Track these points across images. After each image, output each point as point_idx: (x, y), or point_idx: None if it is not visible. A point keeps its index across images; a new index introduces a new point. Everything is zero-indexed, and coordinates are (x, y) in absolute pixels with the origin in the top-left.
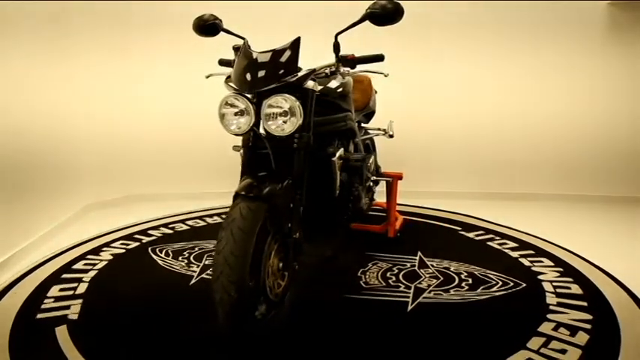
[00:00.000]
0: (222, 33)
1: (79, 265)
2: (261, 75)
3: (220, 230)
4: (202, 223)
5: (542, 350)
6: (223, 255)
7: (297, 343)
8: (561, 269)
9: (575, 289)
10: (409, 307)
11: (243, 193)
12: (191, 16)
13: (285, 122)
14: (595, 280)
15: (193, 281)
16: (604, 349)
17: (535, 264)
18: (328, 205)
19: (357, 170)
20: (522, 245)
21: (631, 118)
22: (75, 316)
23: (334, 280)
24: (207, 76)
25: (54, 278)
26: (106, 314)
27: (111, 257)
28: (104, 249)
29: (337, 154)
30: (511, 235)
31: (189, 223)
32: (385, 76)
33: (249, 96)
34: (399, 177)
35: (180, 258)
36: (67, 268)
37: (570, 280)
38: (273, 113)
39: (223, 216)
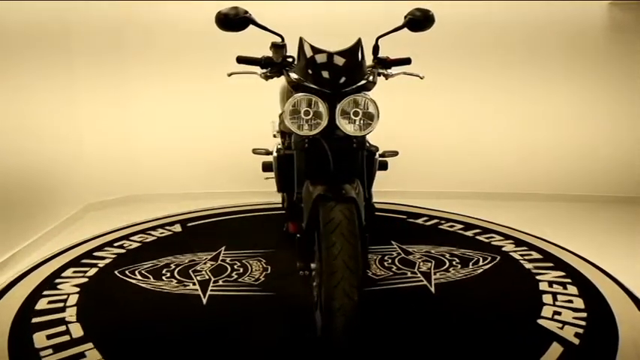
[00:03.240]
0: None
1: (42, 305)
2: (343, 75)
3: (328, 235)
4: (152, 238)
5: (558, 303)
6: (342, 259)
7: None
8: (513, 241)
9: (535, 254)
10: (432, 290)
11: (331, 195)
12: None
13: (363, 121)
14: (538, 244)
15: (205, 300)
16: (592, 294)
17: (491, 240)
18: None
19: (384, 167)
20: (467, 226)
21: (631, 118)
22: None
23: None
24: (230, 74)
25: (27, 321)
26: (142, 353)
27: (78, 289)
28: (58, 281)
29: (378, 152)
30: (452, 218)
31: (135, 239)
32: (421, 78)
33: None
34: None
35: (164, 278)
36: (30, 309)
37: (526, 248)
38: (355, 113)
39: (169, 227)
